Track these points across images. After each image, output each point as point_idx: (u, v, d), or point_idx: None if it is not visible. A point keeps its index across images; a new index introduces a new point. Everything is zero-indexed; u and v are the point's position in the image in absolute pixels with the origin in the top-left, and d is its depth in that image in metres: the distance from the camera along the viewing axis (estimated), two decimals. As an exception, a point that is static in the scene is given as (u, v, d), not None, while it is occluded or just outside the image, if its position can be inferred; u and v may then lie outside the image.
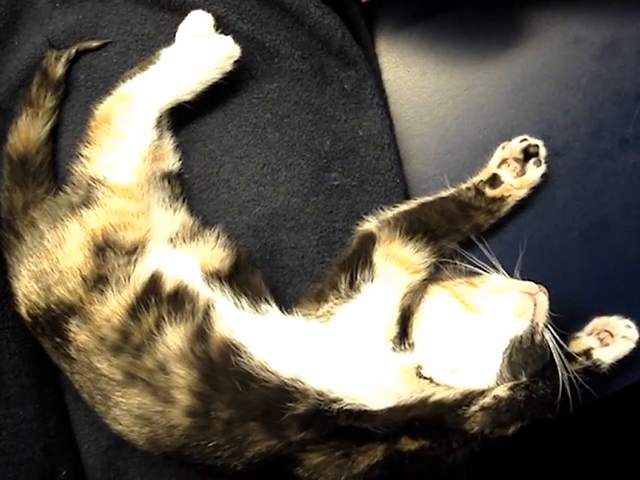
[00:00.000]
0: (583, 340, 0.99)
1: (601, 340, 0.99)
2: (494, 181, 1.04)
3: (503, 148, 1.05)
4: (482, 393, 0.89)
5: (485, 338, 0.92)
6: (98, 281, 0.94)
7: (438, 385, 0.91)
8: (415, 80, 1.14)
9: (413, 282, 0.98)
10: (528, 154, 1.05)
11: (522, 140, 1.05)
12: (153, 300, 0.93)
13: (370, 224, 1.03)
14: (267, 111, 1.08)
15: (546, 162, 1.05)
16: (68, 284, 0.94)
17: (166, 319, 0.92)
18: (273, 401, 0.88)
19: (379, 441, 0.89)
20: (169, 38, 1.06)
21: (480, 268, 0.98)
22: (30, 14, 1.12)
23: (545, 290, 0.94)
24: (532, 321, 0.92)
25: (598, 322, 1.01)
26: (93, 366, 0.93)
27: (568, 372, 0.92)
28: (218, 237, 1.03)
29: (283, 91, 1.09)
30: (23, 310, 0.98)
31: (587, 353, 0.97)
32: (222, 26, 1.05)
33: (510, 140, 1.06)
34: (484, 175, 1.05)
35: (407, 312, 0.95)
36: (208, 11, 1.05)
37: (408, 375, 0.91)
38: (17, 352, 1.04)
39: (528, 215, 1.08)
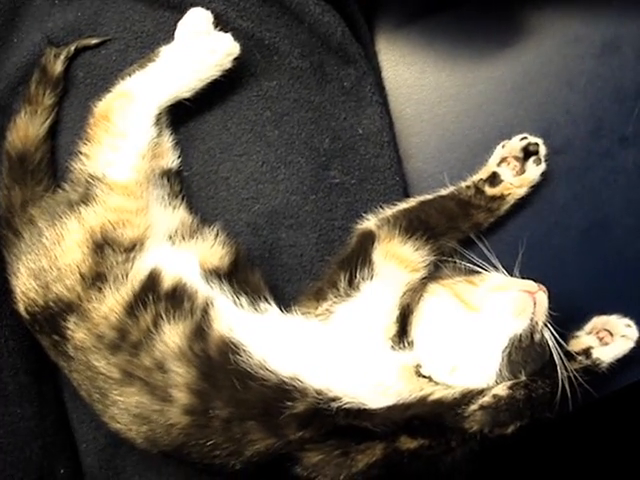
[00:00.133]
0: (583, 339, 0.99)
1: (601, 339, 0.99)
2: (494, 179, 1.04)
3: (503, 146, 1.05)
4: (481, 392, 0.88)
5: (484, 337, 0.92)
6: (96, 279, 0.93)
7: (437, 384, 0.91)
8: (415, 78, 1.14)
9: (412, 280, 0.98)
10: (528, 152, 1.05)
11: (522, 138, 1.05)
12: (151, 298, 0.93)
13: (369, 222, 1.03)
14: (266, 109, 1.08)
15: (546, 160, 1.05)
16: (66, 281, 0.94)
17: (164, 317, 0.92)
18: (272, 400, 0.88)
19: (378, 440, 0.88)
20: (168, 35, 1.06)
21: (479, 267, 0.98)
22: (29, 11, 1.12)
23: (545, 289, 0.94)
24: (531, 320, 0.92)
25: (598, 321, 1.01)
26: (91, 364, 0.93)
27: (567, 371, 0.92)
28: (217, 235, 1.03)
29: (282, 89, 1.08)
30: (21, 307, 0.98)
31: (586, 352, 0.97)
32: (221, 23, 1.05)
33: (510, 138, 1.05)
34: (484, 173, 1.05)
35: (406, 310, 0.95)
36: (207, 8, 1.05)
37: (407, 374, 0.91)
38: (15, 350, 1.04)
39: (528, 214, 1.08)
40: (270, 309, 0.97)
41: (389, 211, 1.04)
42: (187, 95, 1.02)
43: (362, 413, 0.88)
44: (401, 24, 1.15)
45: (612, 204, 1.09)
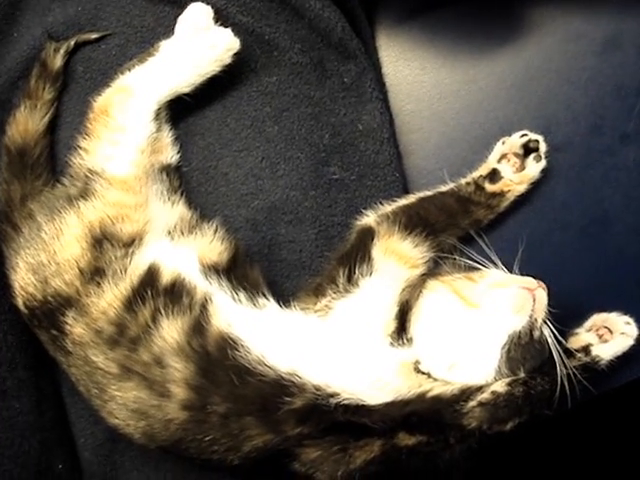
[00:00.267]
0: (582, 336, 0.99)
1: (600, 336, 0.99)
2: (494, 176, 1.03)
3: (503, 143, 1.05)
4: (480, 388, 0.88)
5: (483, 333, 0.92)
6: (95, 273, 0.93)
7: (436, 380, 0.91)
8: (415, 74, 1.14)
9: (412, 277, 0.97)
10: (528, 149, 1.05)
11: (522, 135, 1.05)
12: (150, 293, 0.93)
13: (369, 218, 1.02)
14: (266, 104, 1.08)
15: (546, 157, 1.05)
16: (65, 276, 0.93)
17: (163, 312, 0.92)
18: (270, 395, 0.88)
19: (376, 436, 0.88)
20: (168, 30, 1.06)
21: (479, 263, 0.98)
22: (29, 6, 1.12)
23: (544, 286, 0.94)
24: (531, 317, 0.92)
25: (597, 318, 1.00)
26: (89, 359, 0.93)
27: (566, 368, 0.91)
28: (216, 230, 1.03)
29: (282, 84, 1.08)
30: (20, 302, 0.97)
31: (586, 349, 0.97)
32: (221, 18, 1.05)
33: (510, 135, 1.05)
34: (484, 170, 1.04)
35: (405, 307, 0.95)
36: (207, 3, 1.04)
37: (406, 370, 0.91)
38: (14, 345, 1.04)
39: (528, 210, 1.08)
40: (269, 305, 0.97)
41: (389, 207, 1.03)
42: (187, 90, 1.02)
43: (360, 409, 0.88)
44: (402, 20, 1.15)
45: (612, 201, 1.09)
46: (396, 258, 0.98)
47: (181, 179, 1.07)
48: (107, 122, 0.99)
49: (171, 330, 0.91)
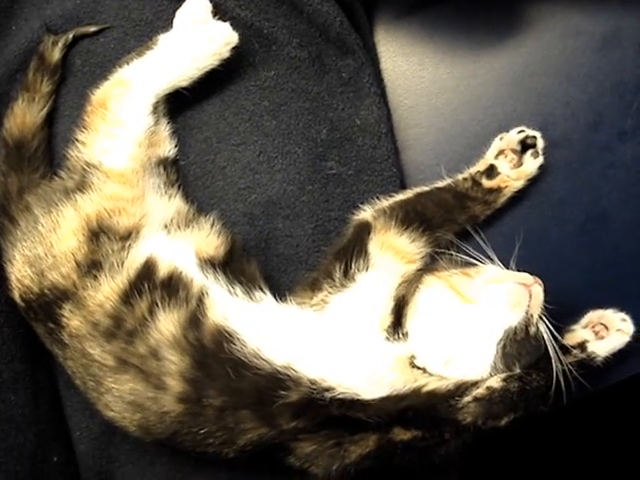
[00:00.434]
0: (578, 333, 0.99)
1: (596, 333, 0.99)
2: (491, 172, 1.03)
3: (501, 139, 1.05)
4: (475, 384, 0.89)
5: (479, 329, 0.92)
6: (92, 266, 0.93)
7: (431, 375, 0.91)
8: (413, 70, 1.14)
9: (408, 272, 0.98)
10: (526, 145, 1.05)
11: (520, 131, 1.05)
12: (146, 286, 0.93)
13: (366, 213, 1.02)
14: (264, 99, 1.08)
15: (544, 154, 1.05)
16: (62, 269, 0.93)
17: (159, 305, 0.92)
18: (265, 389, 0.88)
19: (371, 431, 0.88)
20: (167, 24, 1.06)
21: (476, 259, 0.97)
22: (28, -1, 1.12)
23: (540, 282, 0.94)
24: (527, 312, 0.92)
25: (593, 315, 1.01)
26: (86, 352, 0.93)
27: (562, 364, 0.92)
28: (213, 224, 1.03)
29: (280, 79, 1.08)
30: (16, 295, 0.98)
31: (582, 346, 0.97)
32: (220, 12, 1.05)
33: (508, 131, 1.05)
34: (481, 166, 1.04)
35: (401, 302, 0.95)
36: (206, -3, 1.04)
37: (401, 365, 0.91)
38: (10, 337, 1.04)
39: (525, 207, 1.07)
40: (265, 298, 0.97)
41: (386, 202, 1.03)
42: (185, 84, 1.01)
43: (356, 404, 0.88)
44: (400, 15, 1.14)
45: (610, 198, 1.09)
46: (392, 253, 0.98)
47: (178, 173, 1.07)
48: (105, 115, 0.99)
49: (167, 323, 0.91)
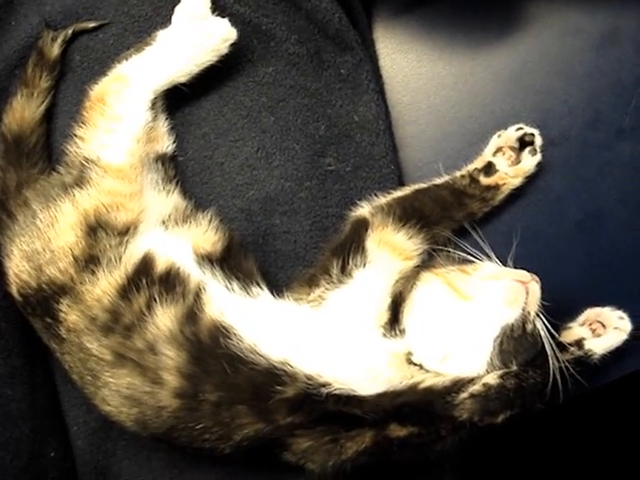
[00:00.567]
0: (575, 330, 0.99)
1: (593, 331, 0.99)
2: (489, 169, 1.03)
3: (499, 136, 1.05)
4: (472, 380, 0.89)
5: (476, 325, 0.92)
6: (89, 261, 0.93)
7: (428, 372, 0.91)
8: (412, 67, 1.14)
9: (405, 268, 0.98)
10: (524, 143, 1.05)
11: (518, 128, 1.05)
12: (144, 281, 0.93)
13: (363, 210, 1.02)
14: (262, 95, 1.08)
15: (542, 151, 1.05)
16: (59, 264, 0.94)
17: (157, 300, 0.92)
18: (262, 384, 0.88)
19: (368, 427, 0.89)
20: (166, 20, 1.05)
21: (473, 256, 0.97)
22: (28, -6, 1.12)
23: (537, 279, 0.94)
24: (524, 309, 0.92)
25: (591, 313, 1.01)
26: (83, 346, 0.93)
27: (559, 362, 0.92)
28: (211, 220, 1.03)
29: (279, 75, 1.08)
30: (14, 289, 0.98)
31: (579, 343, 0.97)
32: (219, 8, 1.04)
33: (506, 128, 1.05)
34: (479, 163, 1.04)
35: (399, 298, 0.95)
36: (205, -7, 1.04)
37: (398, 361, 0.91)
38: (8, 332, 1.04)
39: (522, 204, 1.08)
40: (262, 294, 0.97)
41: (383, 199, 1.03)
42: (183, 80, 1.01)
43: (352, 399, 0.88)
44: (399, 12, 1.15)
45: (607, 196, 1.09)
46: (390, 250, 0.98)
47: (176, 169, 1.07)
48: (103, 110, 0.99)
49: (165, 318, 0.91)
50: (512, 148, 1.04)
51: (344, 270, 0.96)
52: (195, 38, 1.00)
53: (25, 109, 1.06)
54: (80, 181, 0.97)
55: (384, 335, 0.93)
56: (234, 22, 1.01)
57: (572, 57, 1.11)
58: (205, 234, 1.01)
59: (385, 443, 0.89)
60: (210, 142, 1.08)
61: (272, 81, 1.08)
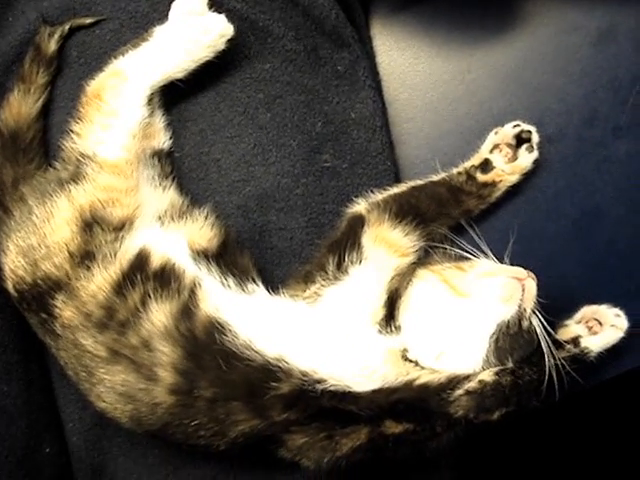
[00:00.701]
0: (571, 328, 0.99)
1: (590, 328, 0.99)
2: (486, 166, 1.03)
3: (495, 133, 1.05)
4: (467, 377, 0.89)
5: (472, 322, 0.92)
6: (85, 257, 0.93)
7: (424, 368, 0.91)
8: (409, 64, 1.14)
9: (401, 265, 0.97)
10: (520, 140, 1.05)
11: (515, 125, 1.05)
12: (139, 277, 0.93)
13: (360, 206, 1.02)
14: (259, 91, 1.08)
15: (538, 148, 1.05)
16: (55, 259, 0.93)
17: (152, 296, 0.92)
18: (257, 380, 0.88)
19: (363, 423, 0.89)
20: (163, 16, 1.05)
21: (469, 253, 0.97)
22: (25, -10, 1.12)
23: (534, 276, 0.94)
24: (520, 306, 0.92)
25: (587, 310, 1.01)
26: (78, 342, 0.93)
27: (555, 359, 0.91)
28: (207, 216, 1.03)
29: (275, 71, 1.08)
30: (10, 285, 0.97)
31: (575, 341, 0.97)
32: (216, 4, 1.04)
33: (503, 125, 1.05)
34: (476, 160, 1.04)
35: (394, 295, 0.95)
36: (202, -11, 1.04)
37: (394, 358, 0.91)
38: (3, 328, 1.04)
39: (519, 201, 1.07)
40: (258, 290, 0.97)
41: (380, 195, 1.03)
42: (180, 76, 1.01)
43: (347, 396, 0.88)
44: (396, 9, 1.15)
45: (604, 193, 1.09)
46: (386, 246, 0.98)
47: (173, 165, 1.07)
48: (100, 106, 0.98)
49: (160, 314, 0.91)
50: (509, 145, 1.04)
51: (340, 267, 0.96)
52: (192, 34, 1.00)
53: (22, 105, 1.06)
54: (76, 177, 0.96)
55: (380, 332, 0.93)
56: (231, 18, 1.01)
57: (569, 55, 1.11)
58: (201, 230, 1.01)
59: (380, 440, 0.89)
60: (206, 138, 1.08)
61: (269, 77, 1.08)
